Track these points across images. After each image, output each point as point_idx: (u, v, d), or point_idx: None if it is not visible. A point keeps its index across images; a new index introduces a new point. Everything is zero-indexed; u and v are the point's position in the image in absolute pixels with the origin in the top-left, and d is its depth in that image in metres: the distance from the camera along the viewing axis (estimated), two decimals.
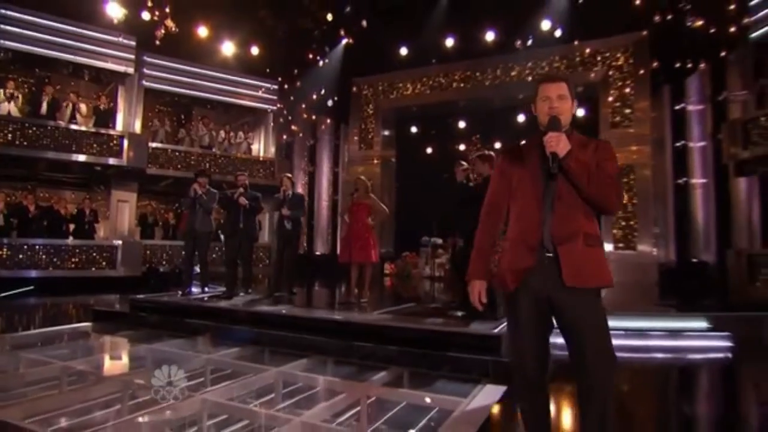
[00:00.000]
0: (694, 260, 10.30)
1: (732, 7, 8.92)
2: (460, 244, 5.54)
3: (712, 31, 9.11)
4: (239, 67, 12.92)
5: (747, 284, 8.36)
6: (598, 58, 11.31)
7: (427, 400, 3.03)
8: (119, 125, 11.34)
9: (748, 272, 8.38)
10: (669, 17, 9.84)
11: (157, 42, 10.28)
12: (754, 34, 8.81)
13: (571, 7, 10.78)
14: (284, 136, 14.30)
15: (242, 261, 6.87)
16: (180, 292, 6.66)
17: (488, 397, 3.06)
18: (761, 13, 8.64)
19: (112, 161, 10.70)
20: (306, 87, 13.58)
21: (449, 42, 12.14)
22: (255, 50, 12.28)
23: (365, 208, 6.12)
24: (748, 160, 8.68)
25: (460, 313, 5.41)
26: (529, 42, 11.44)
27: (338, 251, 6.87)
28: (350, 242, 6.07)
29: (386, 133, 14.54)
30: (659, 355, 4.83)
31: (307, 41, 12.97)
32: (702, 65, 10.28)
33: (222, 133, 13.22)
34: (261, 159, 13.43)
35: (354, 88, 13.67)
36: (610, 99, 11.37)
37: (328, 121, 14.83)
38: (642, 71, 10.89)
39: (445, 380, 3.52)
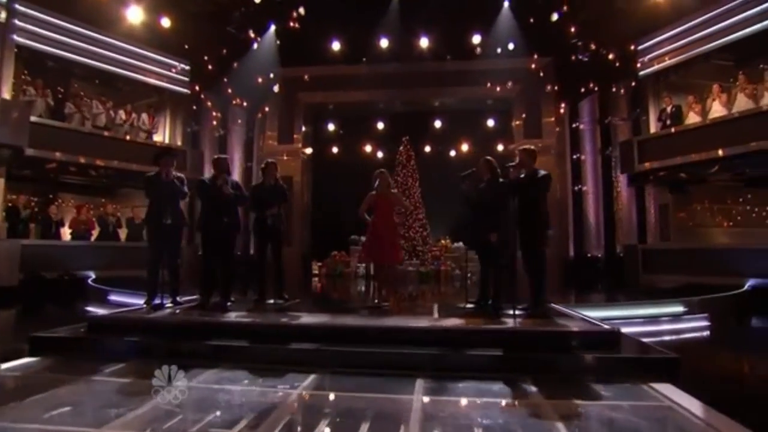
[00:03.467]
0: (588, 255, 11.69)
1: (628, 46, 10.29)
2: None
3: (613, 61, 10.38)
4: (147, 39, 10.68)
5: (641, 274, 9.74)
6: (515, 75, 12.06)
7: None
8: None
9: (643, 264, 9.77)
10: (572, 46, 10.96)
11: None
12: (641, 73, 10.31)
13: (497, 25, 11.32)
14: (193, 123, 12.26)
15: (223, 262, 5.52)
16: (145, 304, 5.08)
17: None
18: (648, 56, 10.17)
19: None
20: (222, 72, 11.81)
21: (383, 43, 11.76)
22: (165, 22, 10.25)
23: (389, 203, 5.45)
24: (639, 173, 10.12)
25: (470, 305, 5.24)
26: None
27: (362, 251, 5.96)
28: (376, 241, 5.33)
29: (307, 128, 13.52)
30: (667, 338, 5.18)
31: (227, 22, 11.29)
32: (594, 92, 11.72)
33: (122, 114, 10.74)
34: (174, 148, 11.24)
35: (276, 79, 12.30)
36: (522, 113, 12.30)
37: (242, 111, 13.18)
38: (548, 91, 11.98)
39: (601, 384, 3.18)
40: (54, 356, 3.88)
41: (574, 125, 12.26)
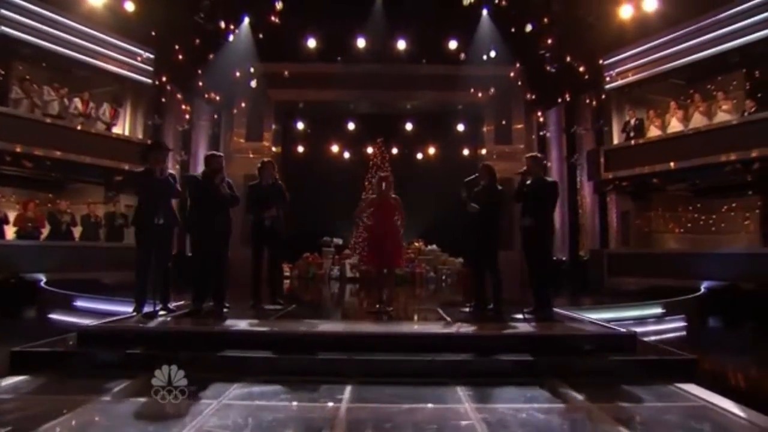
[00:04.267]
0: (554, 258, 12.18)
1: (596, 60, 10.84)
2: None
3: (581, 73, 10.89)
4: (107, 23, 9.89)
5: (606, 277, 10.28)
6: (488, 82, 12.32)
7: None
8: None
9: (608, 267, 10.32)
10: (543, 57, 11.40)
11: None
12: (607, 86, 10.91)
13: (475, 32, 11.53)
14: (155, 116, 11.49)
15: (217, 266, 5.19)
16: (134, 312, 4.66)
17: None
18: (613, 71, 10.78)
19: None
20: (190, 64, 11.16)
21: (360, 43, 11.63)
22: (130, 6, 9.56)
23: (391, 208, 5.36)
24: (604, 181, 10.69)
25: (467, 309, 5.33)
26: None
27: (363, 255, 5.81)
28: (380, 246, 5.23)
29: (277, 126, 13.09)
30: (653, 337, 5.46)
31: (197, 11, 10.71)
32: (562, 102, 12.25)
33: (77, 102, 9.85)
34: (135, 141, 10.51)
35: (251, 74, 11.80)
36: (493, 119, 12.63)
37: (208, 106, 12.54)
38: (519, 98, 12.38)
39: (631, 386, 3.28)
40: (44, 374, 3.45)
41: (541, 133, 12.75)
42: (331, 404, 2.94)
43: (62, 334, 4.46)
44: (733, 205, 10.23)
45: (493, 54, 11.02)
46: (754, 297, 7.68)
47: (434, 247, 11.99)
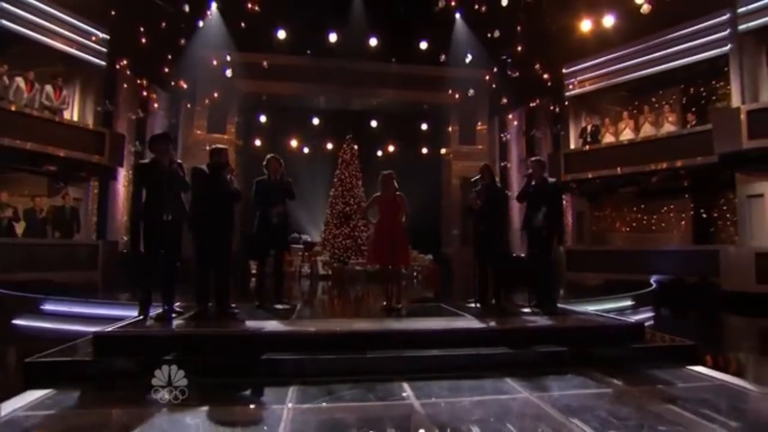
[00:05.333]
0: (514, 255, 12.85)
1: (557, 69, 11.59)
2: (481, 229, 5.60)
3: (544, 81, 11.58)
4: None
5: (566, 273, 11.06)
6: (455, 84, 12.70)
7: None
8: None
9: (567, 264, 11.10)
10: (508, 63, 11.99)
11: None
12: (566, 93, 11.71)
13: (447, 36, 11.85)
14: (106, 102, 10.61)
15: (222, 264, 4.96)
16: (140, 315, 4.35)
17: None
18: (572, 80, 11.59)
19: None
20: (150, 48, 10.43)
21: (332, 38, 11.51)
22: None
23: (397, 206, 5.43)
24: (564, 182, 11.47)
25: (473, 305, 5.55)
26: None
27: (369, 253, 5.81)
28: (387, 244, 5.27)
29: (240, 119, 12.59)
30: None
31: None
32: (523, 106, 12.96)
33: (20, 82, 8.84)
34: (88, 128, 9.65)
35: (218, 62, 11.20)
36: (458, 120, 13.08)
37: (167, 93, 11.81)
38: (485, 101, 12.92)
39: (653, 370, 3.64)
40: (69, 385, 3.14)
41: (502, 135, 13.39)
42: (401, 402, 2.98)
43: (37, 341, 4.09)
44: (671, 206, 11.44)
45: (468, 58, 11.37)
46: (696, 289, 8.71)
47: None
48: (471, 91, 11.38)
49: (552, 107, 12.13)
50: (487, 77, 11.89)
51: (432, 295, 8.97)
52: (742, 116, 7.86)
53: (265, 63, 10.88)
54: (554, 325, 4.24)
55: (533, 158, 5.61)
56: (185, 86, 11.15)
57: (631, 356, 3.92)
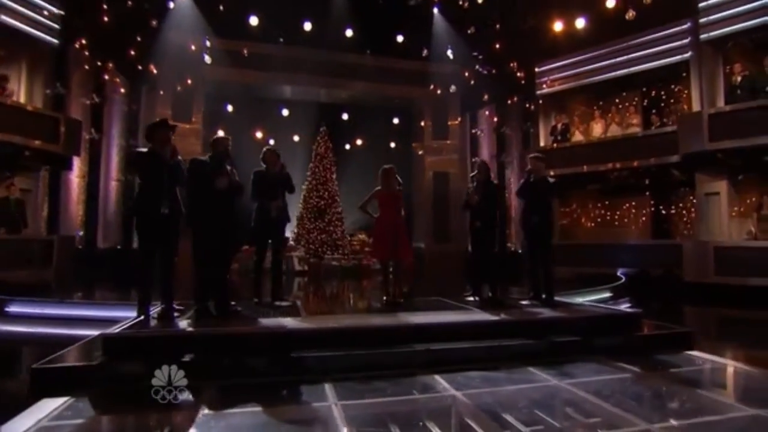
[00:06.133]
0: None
1: (530, 67, 12.01)
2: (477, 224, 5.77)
3: (518, 78, 11.98)
4: None
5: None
6: (429, 78, 12.84)
7: None
8: None
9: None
10: (481, 59, 12.27)
11: None
12: (539, 92, 12.19)
13: (425, 30, 11.95)
14: (58, 84, 9.85)
15: (223, 261, 4.80)
16: (139, 314, 4.13)
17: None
18: (543, 79, 12.08)
19: None
20: (109, 28, 9.78)
21: (307, 26, 11.30)
22: None
23: (397, 200, 5.49)
24: None
25: (472, 299, 5.74)
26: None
27: (373, 247, 5.79)
28: (390, 238, 5.30)
29: (207, 107, 12.10)
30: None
31: None
32: (495, 102, 13.32)
33: None
34: (39, 112, 8.91)
35: (178, 46, 10.64)
36: (431, 115, 13.28)
37: (125, 78, 11.13)
38: (457, 97, 13.17)
39: (661, 356, 3.93)
40: (85, 393, 2.93)
41: (474, 131, 13.73)
42: (443, 394, 3.04)
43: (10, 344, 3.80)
44: (633, 203, 12.23)
45: (449, 53, 11.51)
46: (661, 281, 9.41)
47: None
48: (453, 88, 11.55)
49: (525, 105, 12.57)
50: (466, 74, 12.08)
51: (406, 291, 9.12)
52: (704, 120, 8.54)
53: (245, 51, 10.50)
54: (565, 316, 4.46)
55: (532, 155, 5.81)
56: (149, 71, 10.54)
57: (633, 343, 4.21)
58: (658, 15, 9.91)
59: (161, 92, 11.16)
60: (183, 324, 3.91)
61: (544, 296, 5.42)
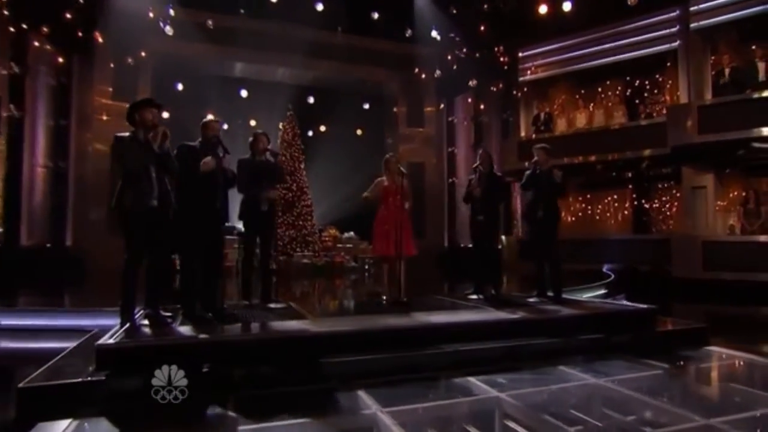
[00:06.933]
0: (461, 246, 13.62)
1: (513, 53, 12.39)
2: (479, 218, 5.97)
3: (501, 64, 12.31)
4: None
5: (519, 262, 12.01)
6: (404, 61, 12.92)
7: None
8: None
9: (519, 253, 12.06)
10: (461, 44, 12.50)
11: None
12: (521, 79, 12.60)
13: (398, 7, 11.97)
14: None
15: (214, 261, 4.67)
16: (124, 321, 3.95)
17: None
18: (525, 65, 12.51)
19: None
20: None
21: None
22: None
23: (405, 193, 5.56)
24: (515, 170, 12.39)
25: (475, 296, 5.95)
26: None
27: (374, 242, 5.78)
28: (393, 234, 5.36)
29: (154, 85, 11.58)
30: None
31: None
32: (472, 90, 13.59)
33: None
34: None
35: (123, 13, 10.04)
36: (406, 101, 13.40)
37: (51, 48, 10.42)
38: (433, 83, 13.34)
39: (683, 351, 4.25)
40: (88, 414, 2.78)
41: (452, 119, 13.99)
42: (487, 396, 3.14)
43: None
44: (615, 197, 12.95)
45: (432, 35, 11.53)
46: (650, 276, 10.07)
47: (352, 234, 12.23)
48: (438, 72, 11.65)
49: (507, 91, 12.91)
50: (447, 57, 12.24)
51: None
52: (694, 112, 9.18)
53: (209, 22, 10.06)
54: (586, 313, 4.71)
55: (538, 145, 6.00)
56: (91, 39, 9.90)
57: (653, 340, 4.52)
58: (646, 1, 10.53)
59: (105, 65, 10.53)
60: (185, 331, 3.79)
61: (549, 293, 5.68)
